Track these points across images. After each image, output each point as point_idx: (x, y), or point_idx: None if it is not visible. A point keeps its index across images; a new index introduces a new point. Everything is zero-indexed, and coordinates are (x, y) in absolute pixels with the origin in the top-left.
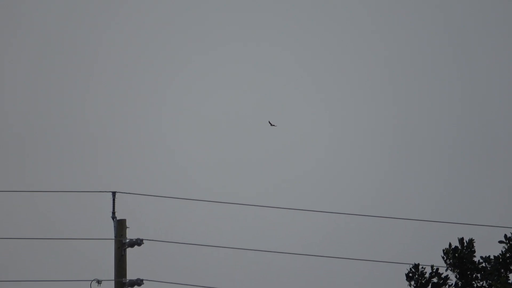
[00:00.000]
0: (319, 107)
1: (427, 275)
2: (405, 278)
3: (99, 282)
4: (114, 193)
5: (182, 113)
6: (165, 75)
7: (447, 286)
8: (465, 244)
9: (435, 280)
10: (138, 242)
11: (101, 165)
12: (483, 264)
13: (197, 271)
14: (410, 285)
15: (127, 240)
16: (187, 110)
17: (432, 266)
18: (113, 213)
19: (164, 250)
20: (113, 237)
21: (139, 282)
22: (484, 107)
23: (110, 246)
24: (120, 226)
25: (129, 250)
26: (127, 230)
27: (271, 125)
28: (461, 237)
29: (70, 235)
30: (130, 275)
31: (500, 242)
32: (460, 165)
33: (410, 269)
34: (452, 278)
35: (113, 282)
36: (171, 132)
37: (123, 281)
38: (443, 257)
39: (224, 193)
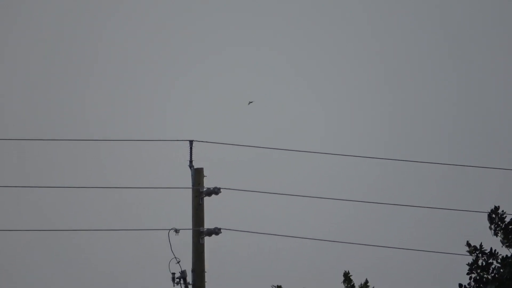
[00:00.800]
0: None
1: (506, 219)
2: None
3: (177, 231)
4: (191, 142)
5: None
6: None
7: None
8: None
9: None
10: (216, 191)
11: (178, 114)
12: None
13: (275, 220)
14: (491, 228)
15: (205, 189)
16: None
17: None
18: (191, 162)
19: (241, 199)
20: (191, 186)
21: (217, 231)
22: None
23: (188, 195)
24: (197, 175)
25: (206, 199)
26: (205, 179)
27: (250, 102)
28: None
29: (148, 184)
30: (208, 224)
31: None
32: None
33: (491, 210)
34: None
35: (190, 231)
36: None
37: (201, 230)
38: None
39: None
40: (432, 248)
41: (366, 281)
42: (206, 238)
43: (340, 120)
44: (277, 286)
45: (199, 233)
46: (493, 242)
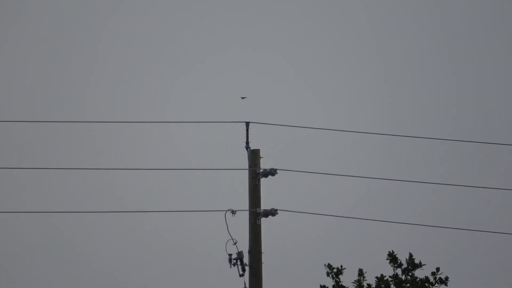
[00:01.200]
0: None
1: None
2: None
3: (233, 212)
4: (247, 123)
5: None
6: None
7: None
8: None
9: None
10: (272, 172)
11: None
12: None
13: (331, 201)
14: None
15: (261, 170)
16: None
17: None
18: (247, 143)
19: (297, 180)
20: (247, 167)
21: (273, 212)
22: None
23: (244, 176)
24: (254, 156)
25: (263, 180)
26: (261, 160)
27: (242, 98)
28: None
29: (205, 165)
30: (264, 205)
31: None
32: None
33: None
34: None
35: (247, 212)
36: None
37: (257, 211)
38: None
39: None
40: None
41: (411, 255)
42: (263, 219)
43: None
44: (329, 264)
45: (256, 214)
46: None
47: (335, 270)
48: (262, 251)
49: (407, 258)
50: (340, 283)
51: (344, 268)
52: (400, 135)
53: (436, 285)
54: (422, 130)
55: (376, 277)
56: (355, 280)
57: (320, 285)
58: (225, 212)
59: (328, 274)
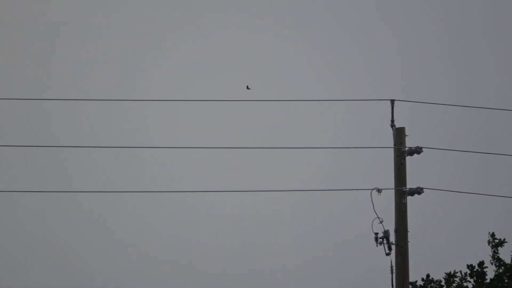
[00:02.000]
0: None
1: None
2: None
3: (379, 190)
4: (392, 101)
5: None
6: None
7: None
8: None
9: None
10: (418, 150)
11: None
12: None
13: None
14: None
15: (407, 149)
16: None
17: None
18: (392, 121)
19: (443, 158)
20: (392, 146)
21: (419, 190)
22: None
23: (390, 154)
24: (399, 134)
25: (408, 159)
26: (406, 138)
27: (248, 88)
28: None
29: (350, 144)
30: (410, 183)
31: None
32: None
33: None
34: None
35: (393, 191)
36: None
37: (403, 190)
38: None
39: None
40: None
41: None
42: (409, 198)
43: None
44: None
45: (402, 192)
46: None
47: (496, 240)
48: (408, 230)
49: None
50: (497, 255)
51: (506, 242)
52: None
53: None
54: None
55: None
56: None
57: (479, 262)
58: (371, 190)
59: (489, 243)
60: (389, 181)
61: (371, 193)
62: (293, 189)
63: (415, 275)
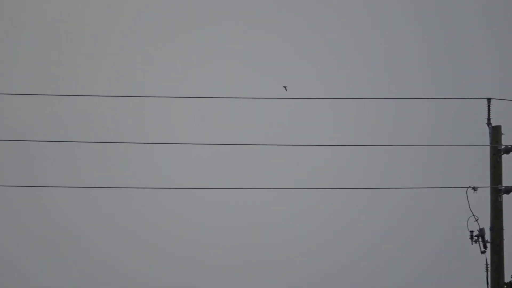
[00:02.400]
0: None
1: None
2: None
3: (475, 189)
4: (489, 100)
5: None
6: None
7: None
8: None
9: None
10: None
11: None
12: None
13: None
14: None
15: (503, 147)
16: None
17: None
18: (488, 119)
19: None
20: (488, 144)
21: None
22: None
23: (486, 153)
24: (495, 132)
25: (504, 157)
26: (502, 136)
27: (285, 88)
28: None
29: (446, 142)
30: (506, 181)
31: None
32: None
33: None
34: None
35: (488, 189)
36: None
37: (499, 188)
38: None
39: None
40: None
41: None
42: (504, 196)
43: None
44: None
45: (497, 191)
46: None
47: None
48: (504, 228)
49: None
50: None
51: None
52: None
53: None
54: None
55: None
56: None
57: None
58: (466, 188)
59: None
60: (485, 179)
61: (466, 191)
62: (387, 186)
63: (510, 273)
